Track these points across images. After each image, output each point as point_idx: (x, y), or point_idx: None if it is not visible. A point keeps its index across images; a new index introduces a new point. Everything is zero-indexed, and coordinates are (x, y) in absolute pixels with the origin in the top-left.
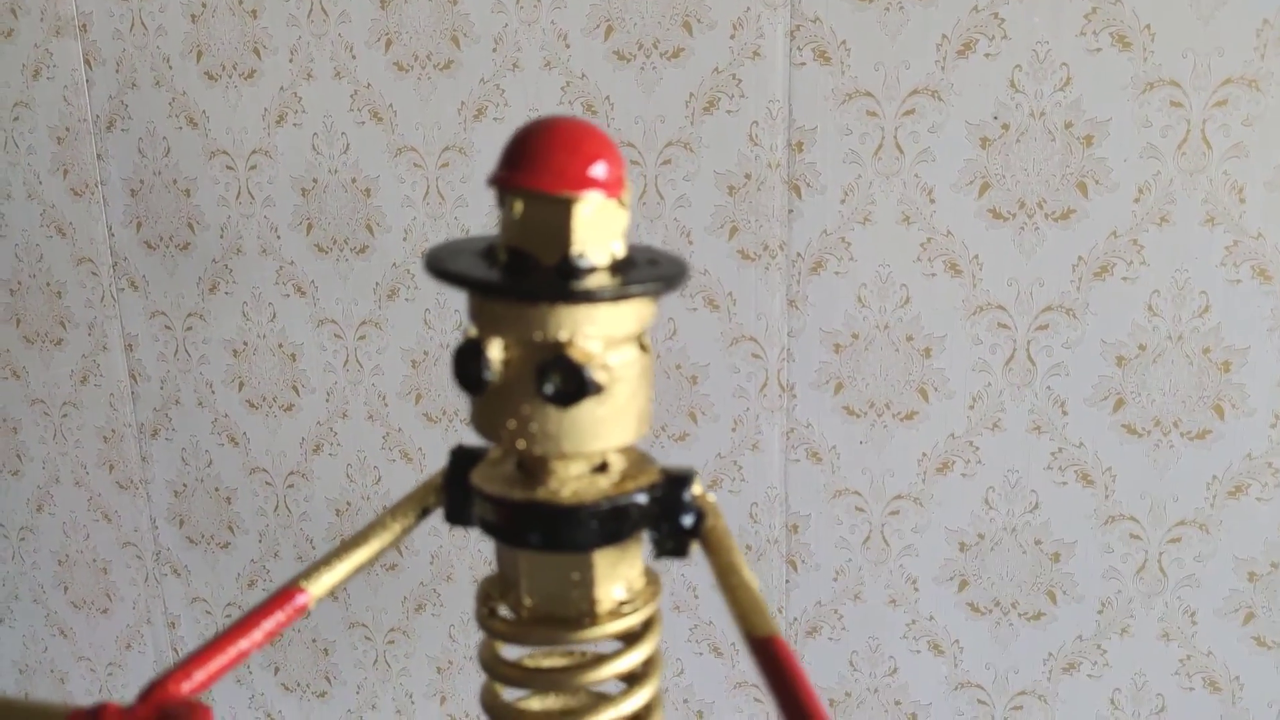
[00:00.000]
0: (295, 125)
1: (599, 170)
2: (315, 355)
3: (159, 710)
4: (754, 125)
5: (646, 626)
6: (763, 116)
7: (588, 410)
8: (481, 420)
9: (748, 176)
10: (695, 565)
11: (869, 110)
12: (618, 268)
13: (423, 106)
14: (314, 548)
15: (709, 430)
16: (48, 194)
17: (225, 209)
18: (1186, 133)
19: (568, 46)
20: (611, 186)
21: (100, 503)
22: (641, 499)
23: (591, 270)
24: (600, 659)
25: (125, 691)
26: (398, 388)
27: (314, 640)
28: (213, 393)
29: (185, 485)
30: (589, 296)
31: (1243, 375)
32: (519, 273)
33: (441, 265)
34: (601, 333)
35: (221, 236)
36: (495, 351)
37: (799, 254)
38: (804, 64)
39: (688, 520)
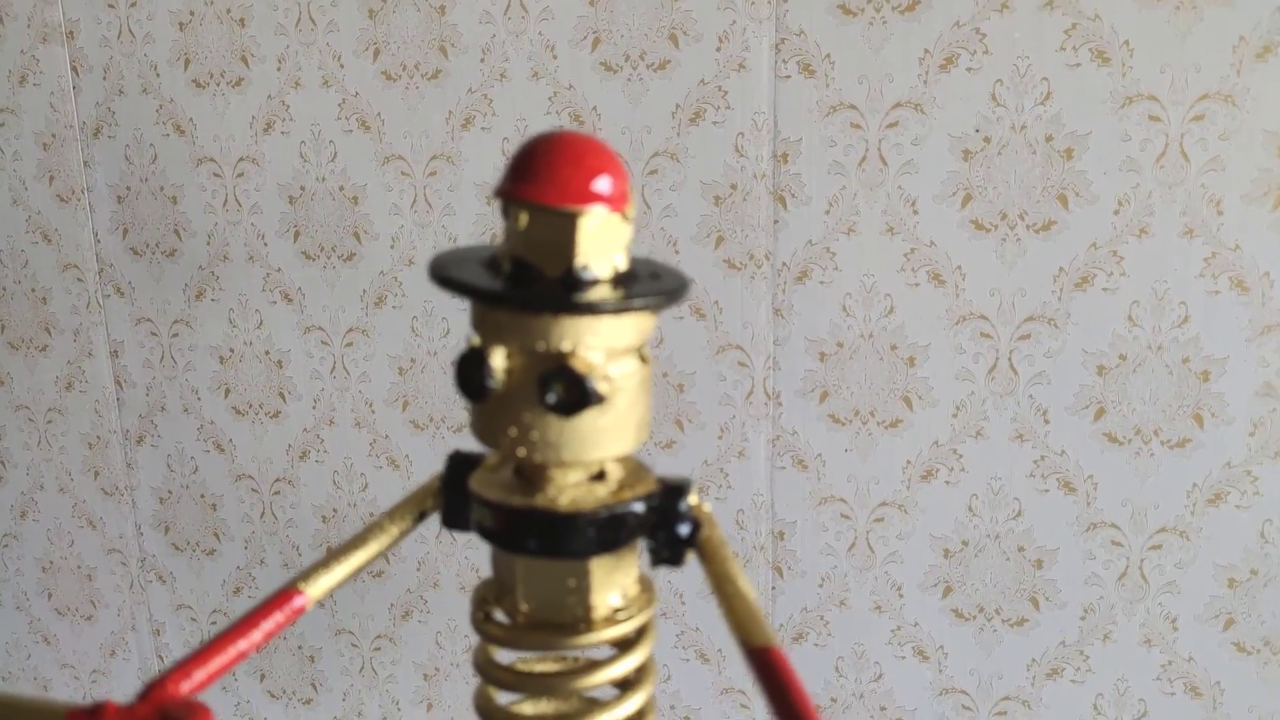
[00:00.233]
0: (283, 133)
1: (603, 185)
2: (302, 362)
3: (159, 709)
4: (740, 136)
5: (641, 633)
6: (748, 128)
7: (588, 420)
8: (482, 427)
9: (733, 187)
10: (682, 572)
11: (853, 122)
12: (620, 280)
13: (410, 115)
14: (300, 555)
15: (695, 437)
16: (34, 200)
17: (212, 216)
18: (1165, 146)
19: (555, 57)
20: (615, 201)
21: (85, 509)
22: (638, 508)
23: (594, 283)
24: (594, 664)
25: (110, 699)
26: (385, 395)
27: (300, 647)
28: (199, 399)
29: (171, 492)
30: (592, 309)
31: (1222, 385)
32: (523, 283)
33: (447, 273)
34: (603, 344)
35: (208, 243)
36: (498, 360)
37: (784, 264)
38: (789, 77)
39: (684, 529)
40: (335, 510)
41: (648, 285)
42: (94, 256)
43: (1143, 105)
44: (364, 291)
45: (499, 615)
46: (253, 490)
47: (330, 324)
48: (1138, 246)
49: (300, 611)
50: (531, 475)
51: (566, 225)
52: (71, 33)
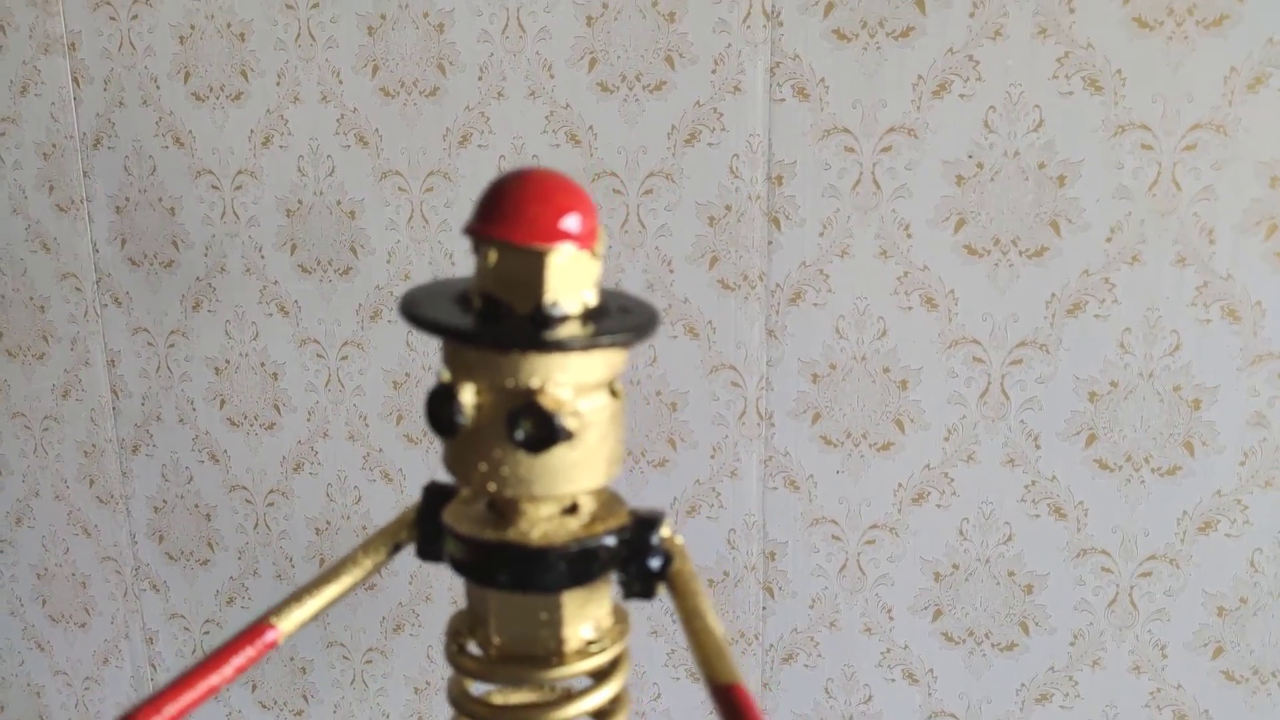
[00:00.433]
0: (281, 147)
1: (571, 223)
2: (297, 374)
3: None
4: (734, 158)
5: (614, 665)
6: (743, 150)
7: (558, 455)
8: (454, 462)
9: (728, 208)
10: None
11: (847, 146)
12: (589, 316)
13: (408, 132)
14: (293, 566)
15: (688, 457)
16: (33, 209)
17: (210, 228)
18: (1157, 175)
19: (552, 77)
20: (584, 238)
21: (80, 517)
22: (610, 541)
23: (564, 319)
24: (569, 696)
25: (102, 706)
26: (379, 408)
27: (291, 659)
28: (194, 410)
29: (165, 501)
30: (560, 346)
31: (1213, 413)
32: (493, 320)
33: (416, 311)
34: (572, 380)
35: (206, 255)
36: (468, 396)
37: (778, 285)
38: (783, 100)
39: (655, 563)
40: (329, 523)
41: (617, 321)
42: (92, 266)
43: (1135, 134)
44: (360, 305)
45: (473, 648)
46: (247, 501)
47: (326, 337)
48: (1130, 274)
49: (272, 645)
50: (504, 508)
51: (535, 263)
52: (73, 44)
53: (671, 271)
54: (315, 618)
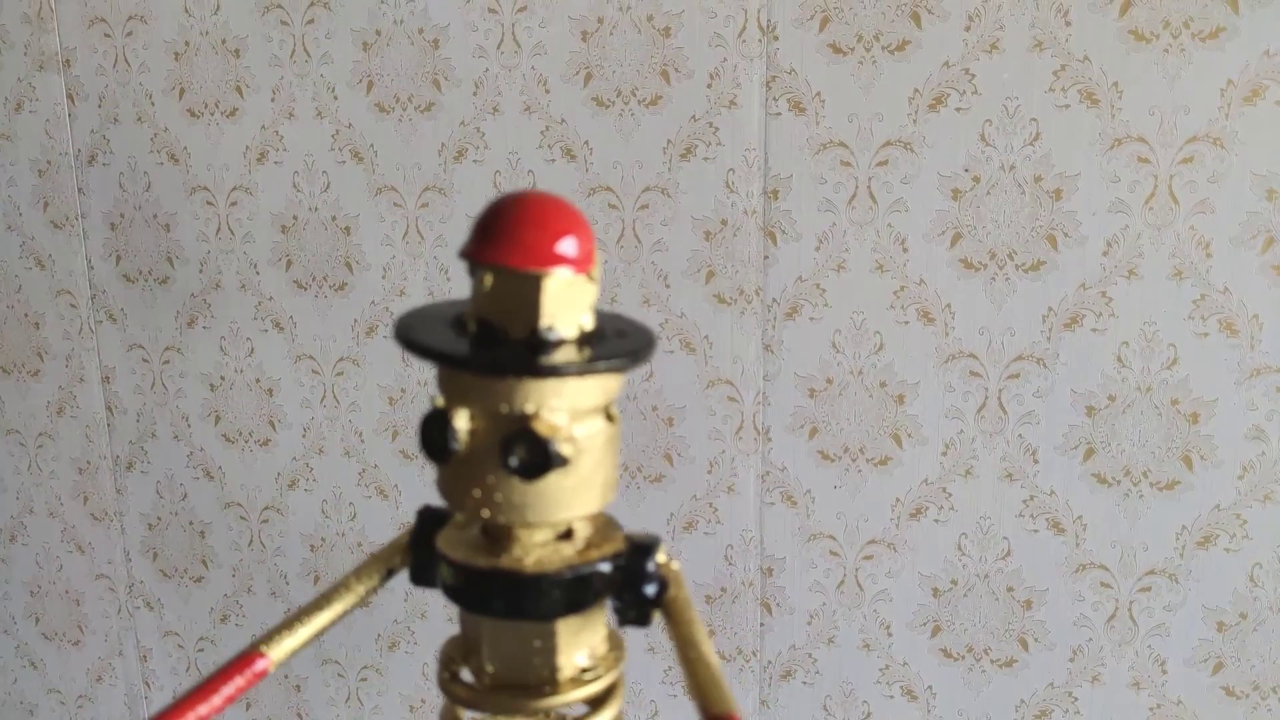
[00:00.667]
0: (276, 163)
1: (568, 247)
2: (292, 391)
3: None
4: (730, 173)
5: (609, 692)
6: (739, 164)
7: (553, 481)
8: (447, 488)
9: (724, 222)
10: None
11: (843, 160)
12: (585, 341)
13: (403, 147)
14: (288, 583)
15: (685, 472)
16: (28, 226)
17: (205, 244)
18: (1154, 188)
19: (548, 92)
20: (580, 263)
21: (74, 534)
22: (605, 568)
23: (559, 344)
24: None
25: None
26: (374, 424)
27: (286, 676)
28: (189, 426)
29: (160, 518)
30: (555, 371)
31: (1211, 427)
32: (487, 345)
33: (411, 335)
34: (568, 405)
35: (201, 271)
36: (462, 422)
37: (774, 299)
38: (779, 114)
39: (650, 590)
40: (324, 539)
41: (613, 345)
42: (87, 283)
43: (1132, 147)
44: (355, 321)
45: (465, 675)
46: (241, 518)
47: (321, 353)
48: (1127, 288)
49: (263, 674)
50: (497, 535)
51: (531, 287)
52: (68, 61)
53: (667, 286)
54: (307, 645)
